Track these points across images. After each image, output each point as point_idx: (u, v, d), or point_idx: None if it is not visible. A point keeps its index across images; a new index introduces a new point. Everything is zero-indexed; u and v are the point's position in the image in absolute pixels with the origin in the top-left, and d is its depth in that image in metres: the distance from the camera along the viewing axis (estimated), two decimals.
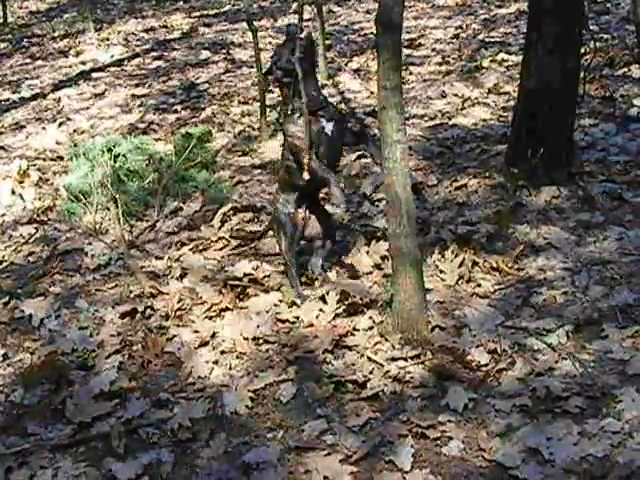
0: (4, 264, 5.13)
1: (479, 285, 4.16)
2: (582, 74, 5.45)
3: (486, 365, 3.51)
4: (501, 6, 10.95)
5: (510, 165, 5.30)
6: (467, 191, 5.28)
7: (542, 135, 5.10)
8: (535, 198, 4.99)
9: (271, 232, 4.65)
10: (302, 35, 3.97)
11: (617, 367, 3.40)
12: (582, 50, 5.37)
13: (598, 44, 6.78)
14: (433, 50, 9.26)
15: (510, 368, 3.47)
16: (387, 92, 3.51)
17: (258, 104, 7.18)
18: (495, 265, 4.28)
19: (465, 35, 9.73)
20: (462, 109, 7.09)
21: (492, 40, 9.29)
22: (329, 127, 4.04)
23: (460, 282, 4.19)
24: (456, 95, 7.50)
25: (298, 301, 4.16)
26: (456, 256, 4.33)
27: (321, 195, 4.44)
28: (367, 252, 4.52)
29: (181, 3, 14.71)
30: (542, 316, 3.82)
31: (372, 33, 10.31)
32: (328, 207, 4.38)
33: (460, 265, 4.28)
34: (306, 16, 11.57)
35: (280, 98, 4.43)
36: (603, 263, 4.21)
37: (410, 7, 11.25)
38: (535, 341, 3.62)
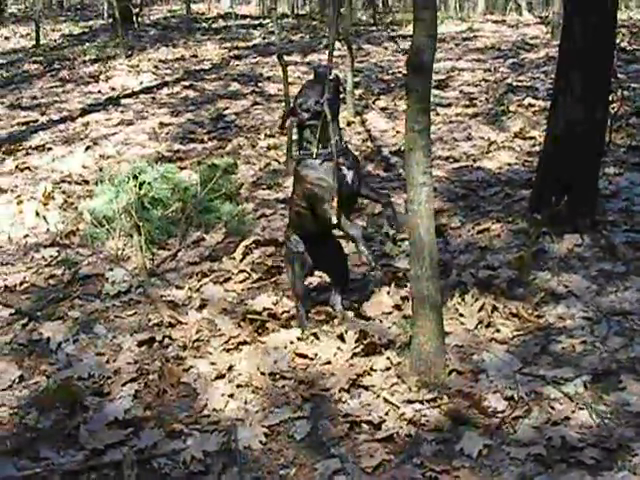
0: (24, 285, 5.16)
1: (498, 330, 4.14)
2: (609, 122, 5.45)
3: (502, 412, 3.48)
4: (530, 50, 11.01)
5: (533, 211, 5.31)
6: (490, 235, 5.28)
7: (567, 182, 5.09)
8: (557, 245, 4.98)
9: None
10: (331, 77, 3.85)
11: (634, 419, 3.37)
12: (609, 98, 5.38)
13: (625, 93, 6.80)
14: (461, 92, 9.31)
15: (526, 416, 3.44)
16: (415, 134, 3.52)
17: (285, 138, 7.23)
18: (515, 311, 4.26)
19: (493, 78, 9.78)
20: (487, 152, 7.12)
21: (520, 84, 9.34)
22: (350, 175, 3.92)
23: (479, 327, 4.18)
24: (482, 138, 7.54)
25: (305, 332, 4.17)
26: (476, 300, 4.32)
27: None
28: (388, 292, 4.51)
29: (212, 34, 14.85)
30: (560, 365, 3.80)
31: (400, 72, 10.39)
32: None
33: (480, 310, 4.27)
34: (336, 53, 11.74)
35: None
36: (623, 314, 4.19)
37: (439, 48, 11.31)
38: (552, 390, 3.59)
